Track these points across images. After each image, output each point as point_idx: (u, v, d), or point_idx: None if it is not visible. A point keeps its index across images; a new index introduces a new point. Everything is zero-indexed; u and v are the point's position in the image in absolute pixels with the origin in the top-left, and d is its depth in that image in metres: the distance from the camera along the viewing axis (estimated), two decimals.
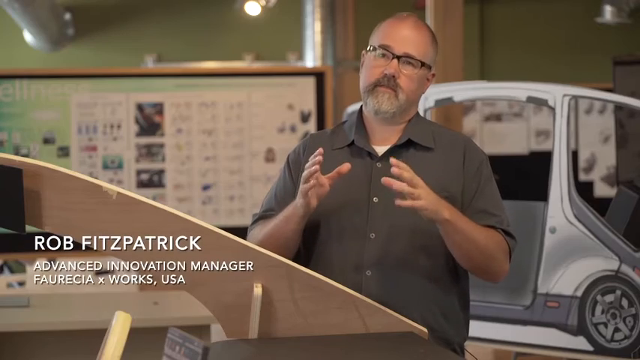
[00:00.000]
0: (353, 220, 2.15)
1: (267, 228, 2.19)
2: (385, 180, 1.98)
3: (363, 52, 2.24)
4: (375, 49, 2.18)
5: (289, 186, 2.26)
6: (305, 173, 2.05)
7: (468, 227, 2.08)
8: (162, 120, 5.32)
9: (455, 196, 2.16)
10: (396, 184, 1.98)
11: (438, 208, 2.01)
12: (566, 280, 3.39)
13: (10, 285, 6.53)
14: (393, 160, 2.01)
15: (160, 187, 5.30)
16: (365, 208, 2.15)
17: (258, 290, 1.94)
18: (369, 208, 2.14)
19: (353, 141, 2.22)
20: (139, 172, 5.30)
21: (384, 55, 2.16)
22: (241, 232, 2.14)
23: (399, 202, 1.99)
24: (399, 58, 2.15)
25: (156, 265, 1.98)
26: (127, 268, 1.92)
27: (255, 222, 2.28)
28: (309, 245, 2.20)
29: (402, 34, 2.17)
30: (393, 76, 2.15)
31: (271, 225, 2.18)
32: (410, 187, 1.97)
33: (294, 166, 2.27)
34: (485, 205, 2.17)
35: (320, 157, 2.04)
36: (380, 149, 2.20)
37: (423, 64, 2.17)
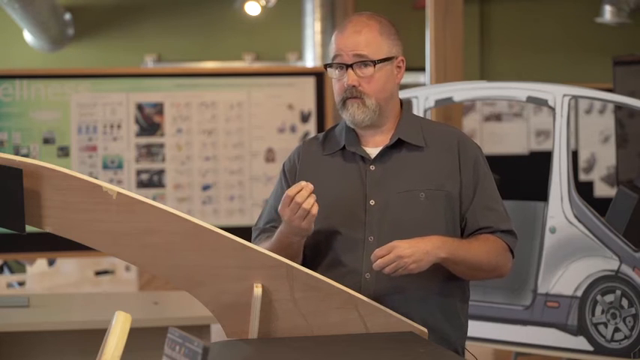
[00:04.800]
0: (350, 224, 2.15)
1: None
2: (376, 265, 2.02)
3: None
4: (330, 65, 2.19)
5: None
6: (296, 207, 2.02)
7: (469, 253, 2.10)
8: (163, 120, 5.32)
9: (452, 194, 2.16)
10: (378, 262, 2.01)
11: (431, 256, 2.04)
12: (566, 280, 3.39)
13: (10, 285, 6.53)
14: (373, 259, 2.02)
15: (160, 187, 5.30)
16: (362, 212, 2.15)
17: (258, 290, 1.93)
18: (365, 211, 2.14)
19: (344, 145, 2.22)
20: (139, 172, 5.30)
21: (340, 68, 2.17)
22: (241, 232, 2.14)
23: (394, 275, 2.02)
24: (351, 66, 2.15)
25: (156, 265, 1.98)
26: (127, 268, 1.92)
27: (258, 236, 2.28)
28: (308, 251, 2.20)
29: (348, 41, 2.16)
30: (354, 86, 2.15)
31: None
32: (396, 262, 1.99)
33: (290, 174, 2.27)
34: (486, 201, 2.18)
35: (306, 191, 2.03)
36: (372, 151, 2.20)
37: (377, 62, 2.15)
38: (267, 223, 2.27)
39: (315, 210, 2.03)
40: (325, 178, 2.20)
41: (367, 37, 2.16)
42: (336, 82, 2.19)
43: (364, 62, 2.14)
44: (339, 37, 2.19)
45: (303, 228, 2.05)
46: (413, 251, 2.01)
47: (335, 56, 2.18)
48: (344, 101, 2.17)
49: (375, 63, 2.15)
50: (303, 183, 2.03)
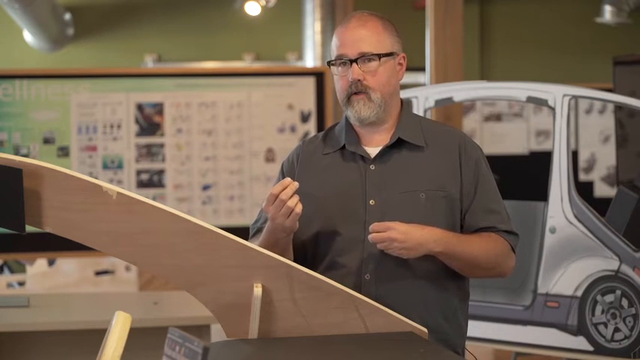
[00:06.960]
0: (350, 224, 2.15)
1: None
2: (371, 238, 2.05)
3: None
4: (334, 62, 2.19)
5: None
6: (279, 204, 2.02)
7: (465, 249, 2.10)
8: (163, 120, 5.32)
9: (452, 195, 2.16)
10: (371, 236, 2.04)
11: (423, 248, 2.05)
12: (566, 280, 3.39)
13: (10, 285, 6.53)
14: (370, 232, 2.05)
15: (160, 187, 5.30)
16: (362, 212, 2.14)
17: (258, 290, 1.93)
18: (365, 211, 2.14)
19: (344, 145, 2.22)
20: (139, 172, 5.30)
21: (343, 64, 2.16)
22: (241, 232, 2.14)
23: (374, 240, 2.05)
24: (356, 61, 2.15)
25: (156, 265, 1.98)
26: (127, 268, 1.92)
27: (253, 235, 2.28)
28: (308, 251, 2.20)
29: (351, 37, 2.16)
30: (359, 80, 2.15)
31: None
32: (387, 242, 2.02)
33: (289, 174, 2.26)
34: (487, 203, 2.18)
35: (290, 189, 2.03)
36: (372, 151, 2.20)
37: (381, 55, 2.16)
38: (264, 223, 2.26)
39: (298, 209, 2.03)
40: (325, 177, 2.20)
41: (370, 32, 2.16)
42: (340, 78, 2.18)
43: (368, 57, 2.14)
44: (341, 33, 2.18)
45: (287, 226, 2.05)
46: (406, 238, 2.02)
47: (338, 53, 2.17)
48: (348, 98, 2.17)
49: (379, 57, 2.15)
50: (287, 180, 2.03)
